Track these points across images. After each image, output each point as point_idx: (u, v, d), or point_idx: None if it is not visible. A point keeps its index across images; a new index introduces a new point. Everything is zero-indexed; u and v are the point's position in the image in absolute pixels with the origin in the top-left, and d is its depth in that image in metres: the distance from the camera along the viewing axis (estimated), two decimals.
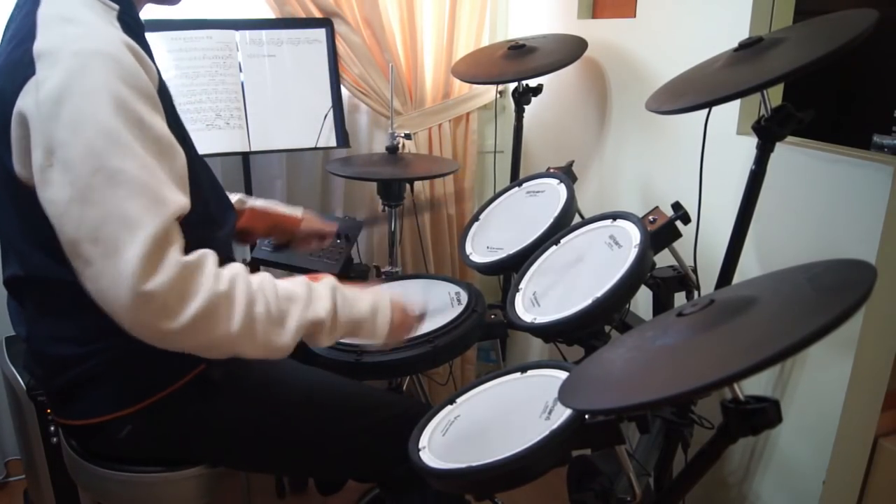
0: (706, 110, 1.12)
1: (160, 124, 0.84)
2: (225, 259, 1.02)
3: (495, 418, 0.97)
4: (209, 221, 1.02)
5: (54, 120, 0.77)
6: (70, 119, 0.77)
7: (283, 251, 1.41)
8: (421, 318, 1.06)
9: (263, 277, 0.89)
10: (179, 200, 0.82)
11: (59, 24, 0.82)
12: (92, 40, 0.81)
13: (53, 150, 0.77)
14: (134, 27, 0.92)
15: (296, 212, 1.36)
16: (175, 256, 0.79)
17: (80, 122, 0.77)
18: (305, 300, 0.90)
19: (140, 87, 0.83)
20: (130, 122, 0.80)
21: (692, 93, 1.03)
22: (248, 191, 1.83)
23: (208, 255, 0.83)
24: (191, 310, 0.79)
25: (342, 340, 1.14)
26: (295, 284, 0.92)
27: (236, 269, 0.86)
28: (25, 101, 0.79)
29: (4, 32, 0.91)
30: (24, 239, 0.91)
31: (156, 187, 0.80)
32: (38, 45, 0.80)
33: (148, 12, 0.99)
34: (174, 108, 0.96)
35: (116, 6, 0.90)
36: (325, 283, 0.94)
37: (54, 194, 0.78)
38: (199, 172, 0.99)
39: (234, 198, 1.26)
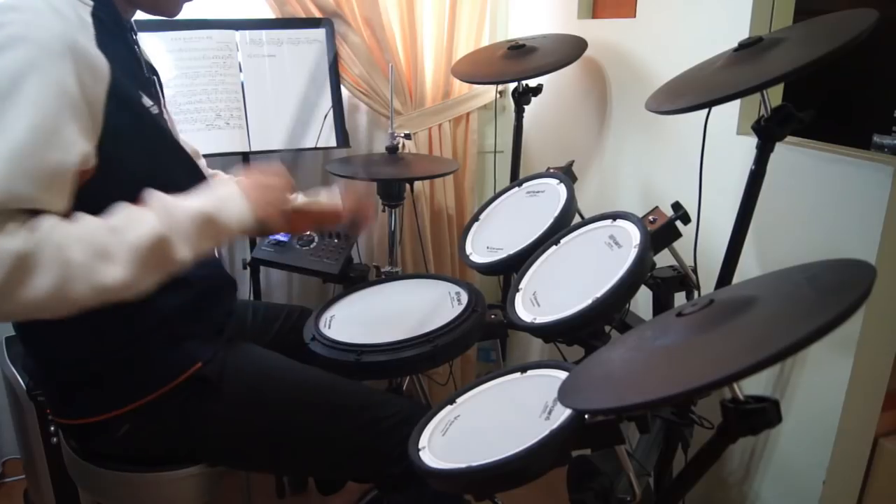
0: (706, 110, 1.12)
1: (64, 118, 0.79)
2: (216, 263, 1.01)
3: (495, 418, 0.97)
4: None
5: None
6: None
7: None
8: (284, 175, 0.96)
9: (78, 220, 0.81)
10: (15, 185, 0.75)
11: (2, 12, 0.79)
12: (24, 27, 0.78)
13: None
14: (110, 25, 0.91)
15: (335, 200, 1.22)
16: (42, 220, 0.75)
17: None
18: (128, 224, 0.82)
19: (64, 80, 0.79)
20: (38, 84, 0.76)
21: (692, 93, 1.03)
22: None
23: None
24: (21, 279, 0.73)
25: (341, 339, 1.15)
26: (116, 215, 0.83)
27: (40, 223, 0.77)
28: None
29: None
30: None
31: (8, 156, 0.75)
32: None
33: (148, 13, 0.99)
34: (147, 108, 0.94)
35: (91, 2, 0.89)
36: (151, 200, 0.85)
37: None
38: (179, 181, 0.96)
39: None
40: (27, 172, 0.75)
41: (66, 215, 0.80)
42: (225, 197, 0.90)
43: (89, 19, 0.87)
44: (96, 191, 0.86)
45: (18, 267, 0.73)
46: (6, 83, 0.76)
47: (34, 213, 0.77)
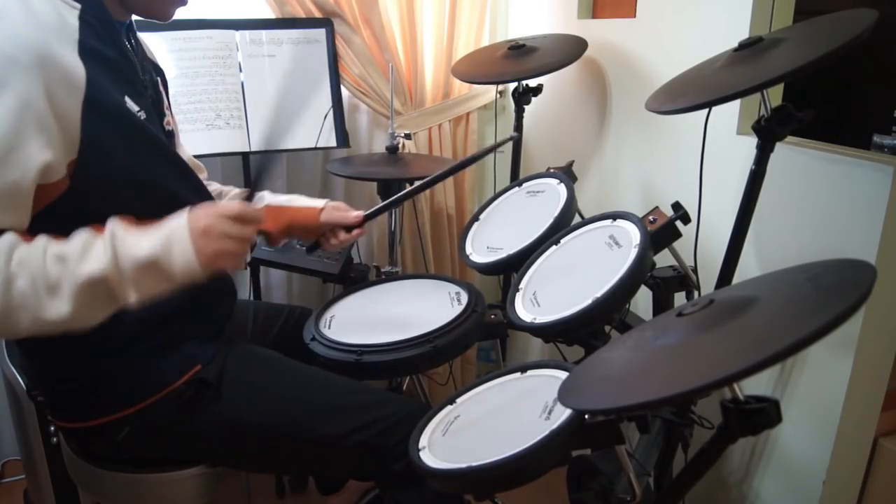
0: (706, 110, 1.12)
1: (25, 134, 0.79)
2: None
3: (495, 418, 0.97)
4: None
5: None
6: None
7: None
8: (251, 213, 0.91)
9: (34, 245, 0.80)
10: None
11: None
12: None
13: None
14: (99, 28, 0.89)
15: (316, 204, 1.22)
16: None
17: None
18: (78, 258, 0.80)
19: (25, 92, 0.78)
20: None
21: (692, 93, 1.03)
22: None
23: None
24: None
25: (341, 340, 1.15)
26: (72, 243, 0.82)
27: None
28: None
29: None
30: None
31: None
32: None
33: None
34: (133, 114, 0.92)
35: (78, 5, 0.87)
36: (106, 233, 0.83)
37: None
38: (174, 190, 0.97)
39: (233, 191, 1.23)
40: None
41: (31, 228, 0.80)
42: (174, 242, 0.84)
43: (75, 23, 0.86)
44: (76, 203, 0.86)
45: None
46: None
47: None
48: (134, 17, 1.01)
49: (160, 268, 0.83)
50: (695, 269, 1.22)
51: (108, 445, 1.01)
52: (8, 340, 1.57)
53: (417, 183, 1.22)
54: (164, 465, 1.05)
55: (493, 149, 1.24)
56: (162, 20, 0.99)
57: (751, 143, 1.08)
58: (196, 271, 0.85)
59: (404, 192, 1.26)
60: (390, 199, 1.25)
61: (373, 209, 1.21)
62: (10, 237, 0.79)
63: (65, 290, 0.79)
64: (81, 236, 0.83)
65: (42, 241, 0.81)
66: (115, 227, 0.84)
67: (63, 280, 0.79)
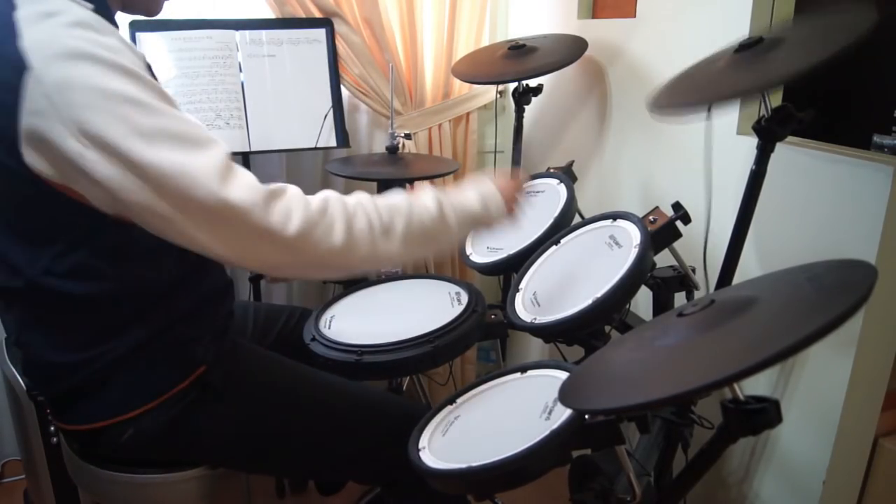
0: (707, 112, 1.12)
1: (157, 84, 0.84)
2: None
3: (495, 418, 0.97)
4: None
5: (70, 105, 0.76)
6: (86, 97, 0.76)
7: None
8: (524, 178, 1.10)
9: (360, 196, 0.93)
10: (215, 138, 0.83)
11: (40, 19, 0.79)
12: (78, 27, 0.79)
13: (83, 132, 0.76)
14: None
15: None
16: (249, 177, 0.83)
17: (96, 96, 0.77)
18: (408, 209, 0.93)
19: (129, 54, 0.82)
20: (141, 86, 0.80)
21: (693, 96, 1.03)
22: None
23: (288, 185, 0.88)
24: (295, 222, 0.83)
25: (341, 340, 1.15)
26: (394, 198, 0.95)
27: (327, 193, 0.91)
28: (31, 104, 0.77)
29: None
30: (28, 249, 0.89)
31: (184, 129, 0.81)
32: (28, 40, 0.78)
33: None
34: None
35: (90, 4, 0.87)
36: (426, 192, 0.98)
37: (104, 172, 0.77)
38: None
39: None
40: None
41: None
42: (488, 197, 1.01)
43: None
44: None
45: (319, 222, 0.85)
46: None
47: None
48: (130, 18, 1.01)
49: (480, 219, 1.00)
50: (704, 269, 1.22)
51: (111, 447, 1.00)
52: (8, 343, 1.58)
53: None
54: (166, 467, 1.05)
55: None
56: (151, 14, 1.00)
57: (751, 143, 1.08)
58: (502, 220, 1.03)
59: None
60: None
61: None
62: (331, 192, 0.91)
63: (398, 235, 0.91)
64: (400, 193, 0.96)
65: (364, 194, 0.95)
66: (431, 188, 0.99)
67: (396, 226, 0.91)
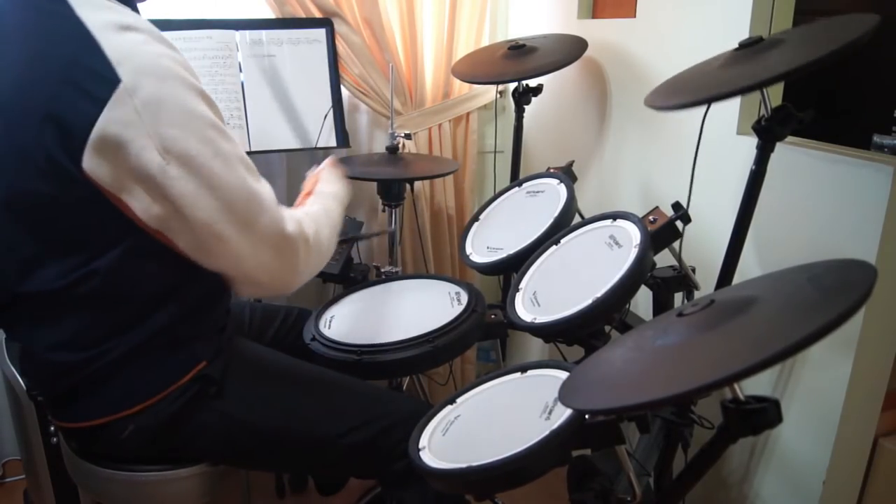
0: (704, 109, 1.11)
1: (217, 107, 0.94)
2: None
3: (495, 418, 0.97)
4: None
5: (160, 120, 0.82)
6: (176, 116, 0.83)
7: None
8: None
9: (313, 210, 1.07)
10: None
11: (117, 30, 0.84)
12: (159, 43, 0.87)
13: (168, 147, 0.82)
14: None
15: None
16: (288, 211, 0.96)
17: (186, 117, 0.84)
18: (336, 213, 1.13)
19: (194, 72, 0.91)
20: (215, 111, 0.89)
21: (691, 90, 1.03)
22: None
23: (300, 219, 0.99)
24: (311, 254, 0.97)
25: (341, 340, 1.17)
26: (315, 206, 1.10)
27: (305, 217, 1.01)
28: (116, 113, 0.80)
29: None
30: (39, 250, 0.91)
31: (251, 162, 0.92)
32: (112, 54, 0.82)
33: (143, 13, 0.99)
34: None
35: (127, 7, 0.92)
36: (329, 191, 1.17)
37: (181, 188, 0.83)
38: None
39: None
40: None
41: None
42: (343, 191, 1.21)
43: None
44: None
45: (314, 246, 0.99)
46: None
47: None
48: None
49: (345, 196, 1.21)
50: (695, 270, 1.22)
51: (111, 444, 1.01)
52: (9, 342, 1.58)
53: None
54: (166, 463, 1.05)
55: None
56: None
57: (751, 143, 1.08)
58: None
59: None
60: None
61: None
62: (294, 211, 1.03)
63: (334, 227, 1.10)
64: (322, 198, 1.14)
65: (312, 207, 1.10)
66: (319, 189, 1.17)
67: (334, 224, 1.10)
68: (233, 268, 0.92)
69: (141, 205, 0.85)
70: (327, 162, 1.26)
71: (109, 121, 0.80)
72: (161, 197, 0.84)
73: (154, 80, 0.82)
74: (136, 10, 0.95)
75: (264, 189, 0.91)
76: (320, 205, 1.11)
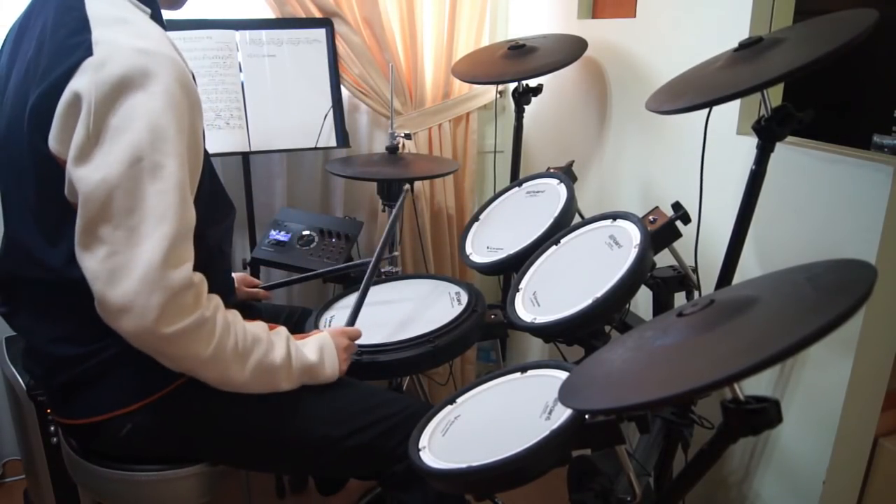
0: (706, 110, 1.12)
1: (199, 130, 0.90)
2: (222, 252, 1.04)
3: (495, 418, 0.97)
4: (214, 210, 1.04)
5: (109, 105, 0.81)
6: (125, 108, 0.81)
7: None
8: (357, 334, 1.14)
9: (234, 315, 0.95)
10: (193, 212, 0.87)
11: (115, 22, 0.86)
12: (155, 41, 0.85)
13: (101, 131, 0.81)
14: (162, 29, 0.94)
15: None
16: (188, 265, 0.85)
17: (135, 113, 0.81)
18: (267, 345, 0.97)
19: (189, 88, 0.87)
20: (178, 122, 0.84)
21: (692, 93, 1.03)
22: (249, 190, 1.83)
23: (204, 280, 0.90)
24: (183, 322, 0.84)
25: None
26: (258, 329, 0.98)
27: (217, 300, 0.92)
28: (80, 81, 0.81)
29: (26, 23, 0.94)
30: (43, 240, 0.92)
31: (186, 190, 0.85)
32: (97, 36, 0.83)
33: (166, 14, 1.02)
34: None
35: (148, 9, 0.94)
36: (280, 333, 1.02)
37: (89, 173, 0.82)
38: (209, 165, 1.02)
39: None
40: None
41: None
42: (326, 357, 1.06)
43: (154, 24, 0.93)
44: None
45: (204, 328, 0.88)
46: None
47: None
48: None
49: (314, 371, 1.04)
50: (695, 269, 1.22)
51: (110, 442, 1.01)
52: (9, 339, 1.58)
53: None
54: (165, 463, 1.05)
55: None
56: (175, 7, 1.06)
57: (751, 143, 1.08)
58: (335, 373, 1.07)
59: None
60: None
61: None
62: (216, 298, 0.92)
63: (250, 364, 0.95)
64: (263, 326, 1.00)
65: (236, 313, 0.96)
66: (286, 331, 1.03)
67: (252, 355, 0.95)
68: (93, 275, 0.83)
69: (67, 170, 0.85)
70: (340, 337, 1.11)
71: (75, 83, 0.82)
72: (70, 171, 0.83)
73: (125, 66, 0.82)
74: (157, 9, 0.97)
75: (172, 216, 0.83)
76: (262, 332, 0.98)
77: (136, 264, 0.81)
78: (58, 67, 0.83)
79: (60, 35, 0.86)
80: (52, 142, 0.85)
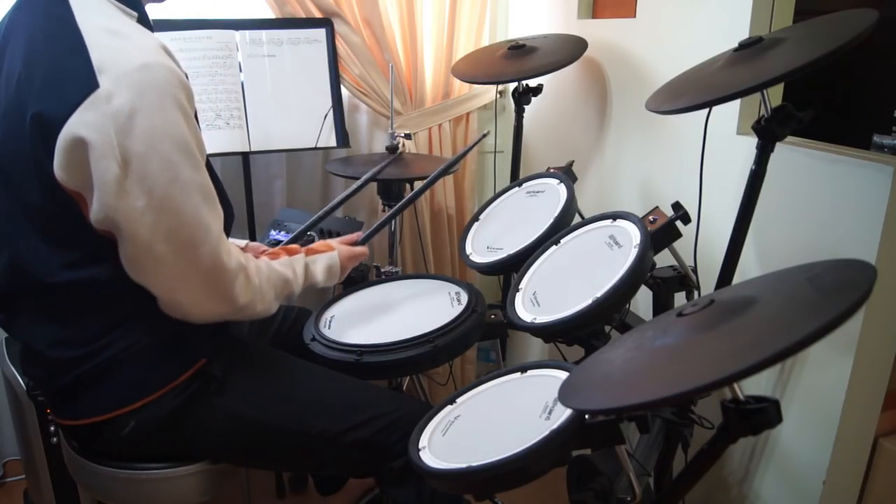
0: (706, 110, 1.12)
1: (199, 130, 0.92)
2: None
3: (495, 418, 0.97)
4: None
5: (128, 133, 0.82)
6: (145, 132, 0.82)
7: None
8: (365, 254, 1.26)
9: (268, 265, 1.05)
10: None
11: (108, 36, 0.85)
12: (151, 52, 0.85)
13: (129, 161, 0.83)
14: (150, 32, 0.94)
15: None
16: (234, 250, 0.95)
17: (156, 135, 0.83)
18: (292, 281, 1.08)
19: (189, 91, 0.88)
20: (193, 132, 0.87)
21: (692, 93, 1.03)
22: (249, 190, 1.83)
23: (241, 252, 0.99)
24: (247, 297, 0.97)
25: (341, 340, 1.17)
26: (285, 270, 1.08)
27: (262, 265, 1.03)
28: (88, 117, 0.81)
29: (11, 26, 0.92)
30: (39, 244, 0.92)
31: (212, 190, 0.91)
32: (97, 59, 0.83)
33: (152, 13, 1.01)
34: None
35: (135, 13, 0.93)
36: (299, 262, 1.11)
37: (130, 203, 0.84)
38: (208, 165, 1.01)
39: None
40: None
41: None
42: (331, 276, 1.18)
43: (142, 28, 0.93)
44: None
45: (258, 295, 1.00)
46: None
47: None
48: None
49: (316, 286, 1.16)
50: (694, 269, 1.22)
51: (112, 441, 1.01)
52: (10, 341, 1.58)
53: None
54: (166, 462, 1.05)
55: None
56: (160, 0, 1.04)
57: (751, 143, 1.08)
58: (339, 275, 1.20)
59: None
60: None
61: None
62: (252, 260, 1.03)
63: (280, 298, 1.07)
64: (286, 263, 1.10)
65: (264, 262, 1.06)
66: (302, 258, 1.13)
67: (283, 292, 1.08)
68: (158, 287, 0.92)
69: (92, 206, 0.86)
70: (349, 245, 1.24)
71: (79, 122, 0.81)
72: (109, 207, 0.85)
73: (132, 91, 0.82)
74: (143, 12, 0.96)
75: (214, 220, 0.91)
76: (289, 270, 1.09)
77: (196, 269, 0.90)
78: (58, 91, 0.83)
79: (54, 52, 0.85)
80: (59, 171, 0.85)
